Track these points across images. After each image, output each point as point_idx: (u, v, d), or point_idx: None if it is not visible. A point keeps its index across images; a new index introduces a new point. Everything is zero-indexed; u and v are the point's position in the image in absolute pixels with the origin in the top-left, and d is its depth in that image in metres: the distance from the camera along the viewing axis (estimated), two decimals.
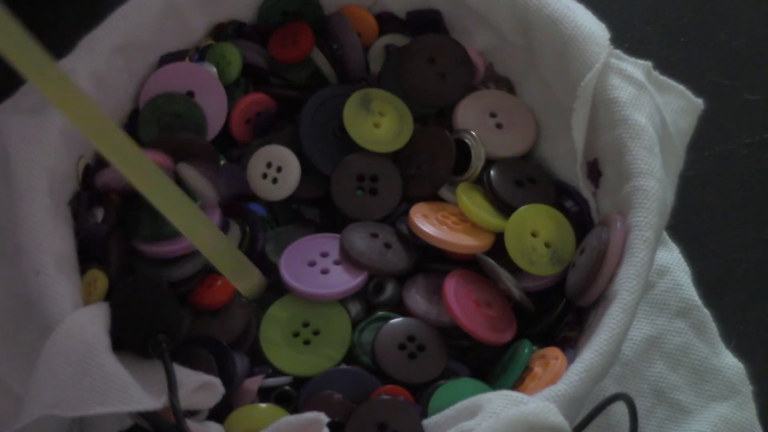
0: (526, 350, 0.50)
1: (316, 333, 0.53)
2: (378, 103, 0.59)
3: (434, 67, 0.59)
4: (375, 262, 0.54)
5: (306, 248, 0.55)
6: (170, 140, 0.55)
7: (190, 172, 0.54)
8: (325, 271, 0.54)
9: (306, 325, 0.53)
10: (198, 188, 0.55)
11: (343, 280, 0.54)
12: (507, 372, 0.50)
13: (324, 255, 0.55)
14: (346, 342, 0.53)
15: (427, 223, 0.55)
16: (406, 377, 0.51)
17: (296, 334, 0.53)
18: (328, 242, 0.55)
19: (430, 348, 0.52)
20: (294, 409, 0.51)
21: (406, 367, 0.52)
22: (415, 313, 0.53)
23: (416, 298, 0.54)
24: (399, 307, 0.55)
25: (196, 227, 0.48)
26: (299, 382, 0.52)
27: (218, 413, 0.49)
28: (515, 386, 0.50)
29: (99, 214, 0.53)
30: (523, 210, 0.55)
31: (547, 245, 0.54)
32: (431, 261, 0.56)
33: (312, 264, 0.54)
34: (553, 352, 0.50)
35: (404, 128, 0.58)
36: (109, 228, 0.53)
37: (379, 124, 0.58)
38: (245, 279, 0.53)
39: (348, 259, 0.54)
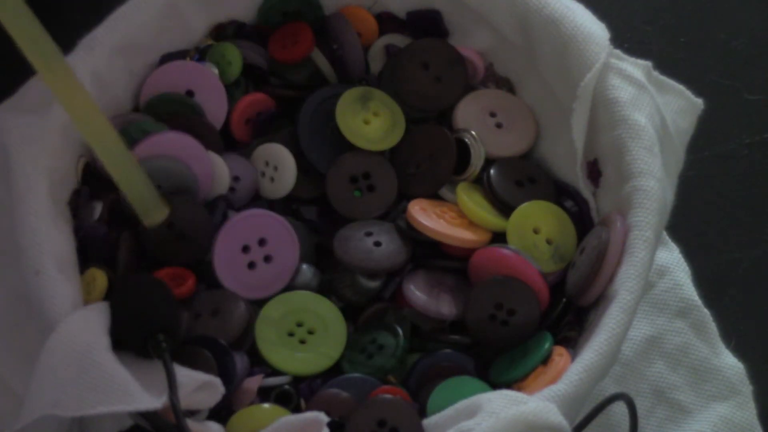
0: (547, 344, 0.50)
1: (311, 332, 0.53)
2: (376, 103, 0.59)
3: (429, 72, 0.59)
4: (361, 261, 0.54)
5: (245, 229, 0.55)
6: (177, 122, 0.55)
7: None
8: (252, 265, 0.54)
9: (300, 325, 0.53)
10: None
11: (265, 282, 0.54)
12: (524, 360, 0.50)
13: (261, 243, 0.54)
14: (343, 340, 0.53)
15: (425, 215, 0.55)
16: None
17: (291, 334, 0.53)
18: (270, 225, 0.55)
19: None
20: (295, 408, 0.51)
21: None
22: (415, 305, 0.54)
23: (415, 293, 0.54)
24: (398, 300, 0.55)
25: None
26: (297, 381, 0.52)
27: (218, 413, 0.49)
28: (524, 380, 0.50)
29: (98, 207, 0.53)
30: (525, 207, 0.55)
31: (548, 242, 0.54)
32: (430, 258, 0.56)
33: (246, 250, 0.54)
34: (558, 350, 0.50)
35: (394, 132, 0.58)
36: (110, 227, 0.53)
37: (368, 121, 0.58)
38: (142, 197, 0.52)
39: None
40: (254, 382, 0.51)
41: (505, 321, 0.52)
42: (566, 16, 0.55)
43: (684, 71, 0.61)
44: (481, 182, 0.57)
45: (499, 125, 0.59)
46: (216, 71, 0.58)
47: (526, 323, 0.52)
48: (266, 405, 0.50)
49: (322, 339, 0.53)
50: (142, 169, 0.51)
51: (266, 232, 0.54)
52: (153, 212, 0.52)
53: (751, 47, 0.75)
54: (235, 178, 0.57)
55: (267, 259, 0.54)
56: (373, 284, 0.54)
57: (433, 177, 0.57)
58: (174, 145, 0.54)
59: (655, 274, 0.64)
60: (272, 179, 0.57)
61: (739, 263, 0.67)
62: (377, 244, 0.55)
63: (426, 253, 0.56)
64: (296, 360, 0.52)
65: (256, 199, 0.58)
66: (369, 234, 0.55)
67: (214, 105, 0.58)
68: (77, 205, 0.53)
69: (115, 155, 0.49)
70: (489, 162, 0.57)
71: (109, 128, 0.49)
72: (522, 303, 0.52)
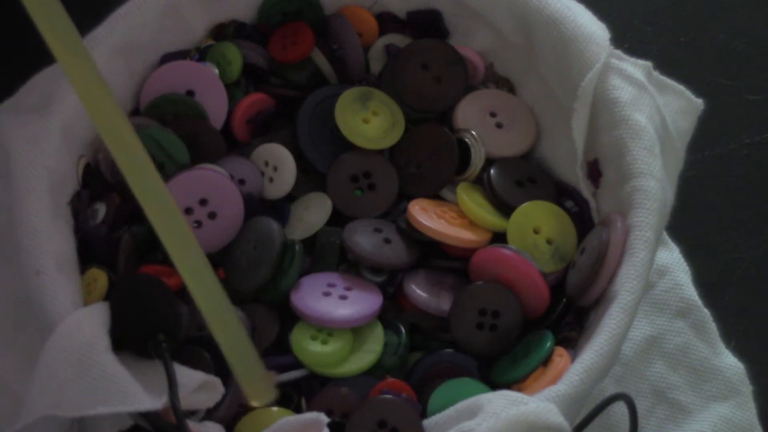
0: (549, 344, 0.50)
1: None
2: (375, 103, 0.59)
3: (429, 73, 0.59)
4: (372, 255, 0.54)
5: (313, 284, 0.54)
6: (178, 126, 0.55)
7: None
8: (343, 297, 0.53)
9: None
10: None
11: (367, 302, 0.53)
12: (526, 359, 0.50)
13: (331, 286, 0.54)
14: (380, 332, 0.53)
15: (425, 215, 0.55)
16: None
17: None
18: (330, 276, 0.55)
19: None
20: (296, 408, 0.51)
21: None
22: (416, 303, 0.54)
23: (416, 291, 0.54)
24: (399, 301, 0.55)
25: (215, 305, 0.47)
26: (313, 374, 0.52)
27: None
28: (524, 380, 0.50)
29: (101, 209, 0.53)
30: (525, 207, 0.55)
31: (549, 242, 0.54)
32: (430, 257, 0.56)
33: (327, 294, 0.54)
34: (558, 351, 0.50)
35: (393, 131, 0.58)
36: (111, 228, 0.53)
37: (368, 120, 0.58)
38: (254, 378, 0.50)
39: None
40: None
41: (493, 325, 0.52)
42: (567, 17, 0.55)
43: (684, 71, 0.61)
44: (481, 182, 0.57)
45: (499, 125, 0.59)
46: (216, 71, 0.58)
47: (515, 320, 0.52)
48: (273, 408, 0.50)
49: (361, 338, 0.53)
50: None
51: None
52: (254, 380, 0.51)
53: (751, 47, 0.75)
54: (241, 181, 0.57)
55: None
56: (377, 279, 0.54)
57: (434, 177, 0.57)
58: (205, 183, 0.54)
59: (655, 274, 0.63)
60: (272, 179, 0.57)
61: (739, 263, 0.67)
62: (387, 240, 0.55)
63: (426, 252, 0.56)
64: (343, 363, 0.52)
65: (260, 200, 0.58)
66: (378, 230, 0.55)
67: (215, 105, 0.58)
68: (78, 206, 0.53)
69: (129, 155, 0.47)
70: (489, 162, 0.58)
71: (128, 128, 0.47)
72: (504, 301, 0.52)
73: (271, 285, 0.54)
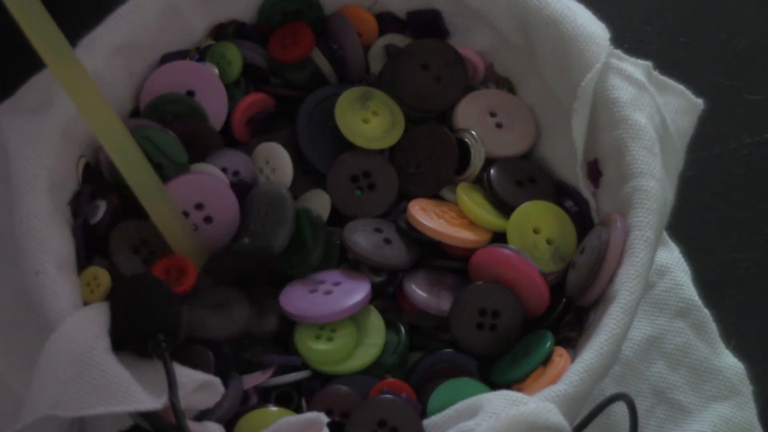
0: (549, 344, 0.50)
1: None
2: (375, 103, 0.59)
3: (428, 73, 0.59)
4: (372, 254, 0.54)
5: (302, 282, 0.55)
6: (177, 126, 0.56)
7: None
8: (328, 293, 0.53)
9: (333, 330, 0.53)
10: None
11: (351, 295, 0.53)
12: (526, 359, 0.50)
13: (321, 282, 0.54)
14: (381, 324, 0.53)
15: (425, 215, 0.55)
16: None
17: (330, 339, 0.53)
18: (323, 274, 0.55)
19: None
20: (296, 408, 0.51)
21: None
22: (416, 303, 0.54)
23: (416, 291, 0.54)
24: (398, 300, 0.55)
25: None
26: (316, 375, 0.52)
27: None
28: (524, 380, 0.50)
29: (101, 205, 0.53)
30: (525, 207, 0.55)
31: (548, 242, 0.54)
32: (430, 257, 0.56)
33: (313, 291, 0.54)
34: (558, 351, 0.50)
35: (393, 131, 0.58)
36: (111, 227, 0.53)
37: (368, 120, 0.58)
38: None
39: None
40: (251, 381, 0.51)
41: (493, 325, 0.52)
42: (566, 17, 0.55)
43: (684, 71, 0.61)
44: (481, 182, 0.57)
45: (499, 125, 0.59)
46: (216, 71, 0.58)
47: (515, 320, 0.52)
48: (273, 408, 0.50)
49: (363, 331, 0.53)
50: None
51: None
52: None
53: (751, 47, 0.75)
54: (235, 173, 0.57)
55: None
56: (377, 279, 0.54)
57: (434, 177, 0.57)
58: (202, 188, 0.54)
59: (655, 274, 0.63)
60: (269, 178, 0.57)
61: (739, 263, 0.67)
62: (387, 241, 0.55)
63: (426, 252, 0.56)
64: (347, 360, 0.52)
65: None
66: (379, 230, 0.55)
67: (215, 105, 0.58)
68: (78, 206, 0.53)
69: (127, 152, 0.50)
70: (489, 162, 0.58)
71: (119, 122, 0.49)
72: (504, 301, 0.52)
73: (299, 258, 0.54)
